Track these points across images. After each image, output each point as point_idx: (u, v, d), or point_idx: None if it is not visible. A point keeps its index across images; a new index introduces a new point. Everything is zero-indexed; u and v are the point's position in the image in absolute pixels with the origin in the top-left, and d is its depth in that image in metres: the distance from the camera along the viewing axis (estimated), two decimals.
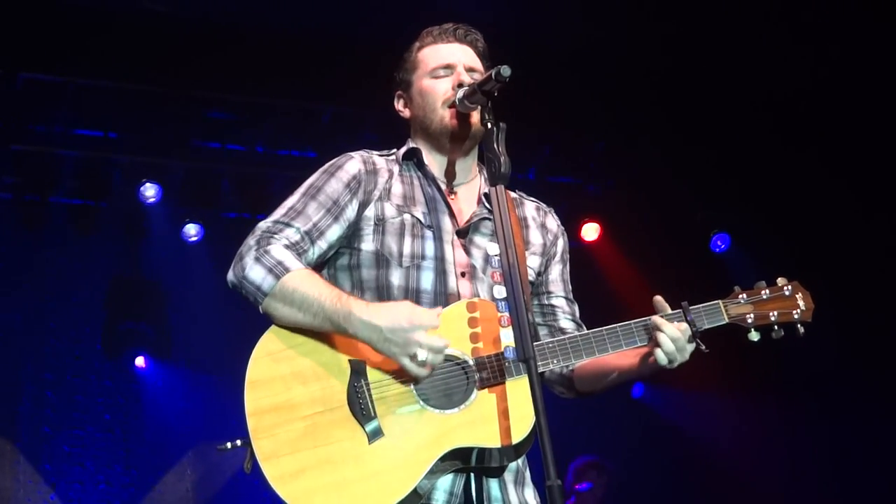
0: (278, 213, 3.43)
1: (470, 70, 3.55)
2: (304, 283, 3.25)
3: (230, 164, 8.60)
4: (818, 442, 9.24)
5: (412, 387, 3.23)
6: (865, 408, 8.90)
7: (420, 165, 3.58)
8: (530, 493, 3.42)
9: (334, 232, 3.43)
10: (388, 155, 3.63)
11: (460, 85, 3.46)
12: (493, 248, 3.46)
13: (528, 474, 3.44)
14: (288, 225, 3.39)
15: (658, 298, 3.37)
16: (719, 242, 9.27)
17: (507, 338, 3.23)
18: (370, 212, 3.46)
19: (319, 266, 3.48)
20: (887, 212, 8.62)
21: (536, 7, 7.66)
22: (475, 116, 3.42)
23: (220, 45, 7.60)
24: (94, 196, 8.46)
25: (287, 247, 3.34)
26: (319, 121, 8.48)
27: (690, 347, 3.33)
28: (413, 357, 3.13)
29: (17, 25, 7.35)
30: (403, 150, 3.63)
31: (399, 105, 3.69)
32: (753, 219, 9.05)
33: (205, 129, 8.40)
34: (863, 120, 8.46)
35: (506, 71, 3.18)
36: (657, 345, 3.28)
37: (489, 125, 3.25)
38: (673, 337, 3.28)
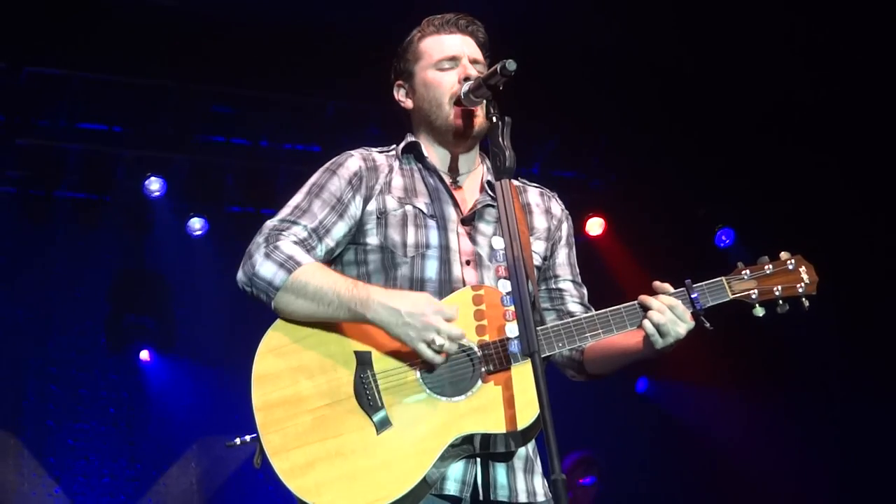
0: (284, 212, 3.44)
1: (474, 62, 3.56)
2: (317, 275, 3.27)
3: (234, 158, 8.61)
4: (824, 436, 9.22)
5: (418, 376, 3.24)
6: (873, 402, 8.87)
7: (420, 158, 3.59)
8: (539, 482, 3.43)
9: (340, 229, 3.44)
10: (388, 151, 3.64)
11: (466, 78, 3.46)
12: (498, 242, 3.46)
13: (538, 462, 3.45)
14: (295, 223, 3.40)
15: (658, 283, 3.36)
16: (724, 237, 9.25)
17: (513, 332, 3.23)
18: (372, 206, 3.47)
19: (327, 264, 3.49)
20: (894, 207, 8.60)
21: (541, 1, 7.65)
22: (480, 113, 3.42)
23: (224, 39, 7.60)
24: (98, 190, 8.47)
25: (296, 242, 3.35)
26: (324, 115, 8.47)
27: (688, 324, 3.31)
28: (430, 342, 3.14)
29: (20, 19, 7.35)
30: (402, 144, 3.63)
31: (400, 95, 3.69)
32: (758, 214, 9.03)
33: (209, 123, 8.40)
34: (868, 115, 8.44)
35: (511, 65, 3.19)
36: (648, 315, 3.29)
37: (494, 119, 3.26)
38: (670, 304, 3.27)
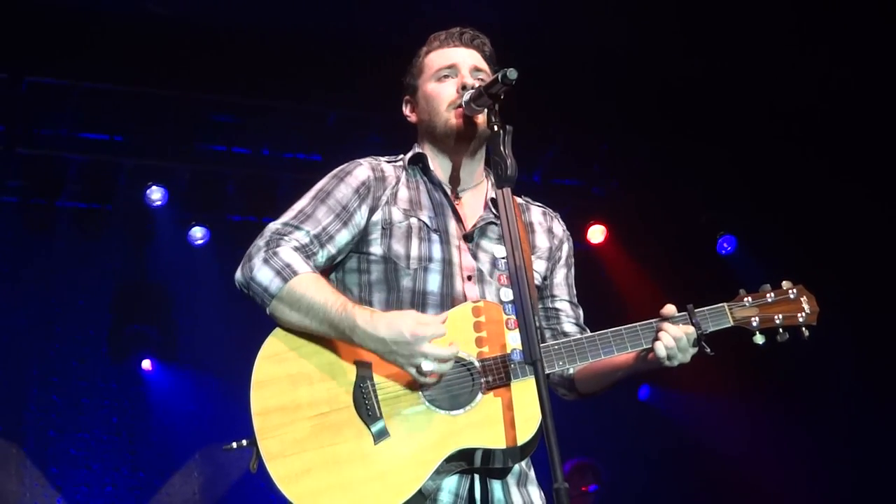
0: (288, 216, 3.44)
1: (476, 70, 3.57)
2: (311, 289, 3.26)
3: (236, 166, 8.61)
4: (831, 446, 9.16)
5: (418, 387, 3.23)
6: (880, 411, 8.85)
7: (426, 171, 3.60)
8: (535, 492, 3.43)
9: (343, 237, 3.44)
10: (395, 161, 3.64)
11: (464, 87, 3.48)
12: (500, 252, 3.48)
13: (531, 474, 3.45)
14: (297, 228, 3.40)
15: (663, 310, 3.37)
16: (725, 244, 9.24)
17: (514, 340, 3.24)
18: (378, 216, 3.48)
19: (329, 270, 3.50)
20: None
21: (542, 8, 7.66)
22: (481, 118, 3.42)
23: (225, 48, 7.61)
24: (100, 199, 8.48)
25: (296, 249, 3.35)
26: (325, 123, 8.48)
27: (692, 350, 3.34)
28: (418, 368, 3.14)
29: (22, 29, 7.36)
30: (409, 155, 3.64)
31: (406, 110, 3.71)
32: (759, 221, 9.03)
33: (210, 131, 8.41)
34: (871, 121, 8.44)
35: (512, 74, 3.19)
36: (658, 341, 3.30)
37: (495, 128, 3.25)
38: (675, 336, 3.30)
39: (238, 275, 3.35)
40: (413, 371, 3.15)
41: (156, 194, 8.34)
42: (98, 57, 7.58)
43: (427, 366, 3.13)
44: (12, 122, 7.96)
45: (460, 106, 3.45)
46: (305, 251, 3.36)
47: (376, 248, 3.45)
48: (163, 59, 7.64)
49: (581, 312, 3.71)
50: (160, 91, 8.04)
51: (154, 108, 8.11)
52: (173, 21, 7.60)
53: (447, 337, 3.21)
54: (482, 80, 3.48)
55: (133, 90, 8.01)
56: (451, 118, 3.50)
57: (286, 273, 3.27)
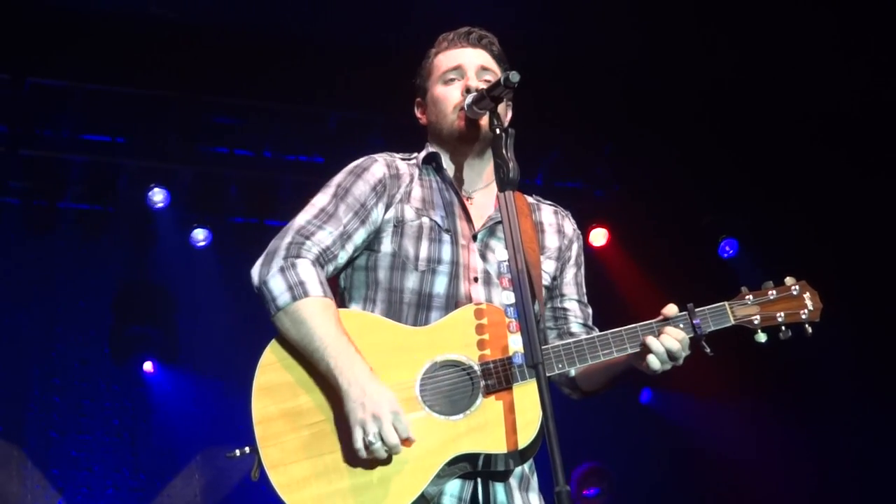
0: (311, 213, 3.43)
1: (484, 69, 3.57)
2: (317, 318, 3.24)
3: (238, 168, 8.61)
4: (834, 448, 9.16)
5: (417, 393, 3.23)
6: (884, 412, 8.84)
7: (439, 170, 3.60)
8: (535, 498, 3.42)
9: (360, 235, 3.45)
10: (409, 159, 3.65)
11: (468, 90, 3.47)
12: (503, 253, 3.46)
13: (533, 480, 3.44)
14: (320, 227, 3.40)
15: (664, 310, 3.35)
16: (727, 247, 9.22)
17: (516, 343, 3.23)
18: (390, 214, 3.48)
19: (342, 268, 3.50)
20: None
21: (544, 12, 7.65)
22: (484, 120, 3.42)
23: (227, 50, 7.62)
24: (101, 201, 8.47)
25: (316, 258, 3.35)
26: (327, 126, 8.48)
27: (686, 353, 3.31)
28: (365, 432, 3.09)
29: (24, 30, 7.37)
30: (423, 154, 3.64)
31: (417, 112, 3.72)
32: (761, 224, 9.02)
33: (212, 133, 8.40)
34: (878, 124, 8.43)
35: (514, 77, 3.19)
36: (650, 351, 3.28)
37: (497, 131, 3.25)
38: (679, 338, 3.27)
39: (255, 271, 3.35)
40: (357, 430, 3.09)
41: (158, 196, 8.33)
42: (100, 58, 7.59)
43: (371, 436, 3.07)
44: (14, 124, 7.96)
45: (463, 108, 3.45)
46: (326, 255, 3.37)
47: (386, 247, 3.46)
48: (165, 61, 7.64)
49: (590, 311, 3.71)
50: (162, 93, 8.04)
51: (156, 110, 8.10)
52: (175, 22, 7.60)
53: (448, 337, 3.24)
54: (488, 80, 3.48)
55: (135, 92, 8.01)
56: (456, 121, 3.51)
57: (297, 291, 3.26)
